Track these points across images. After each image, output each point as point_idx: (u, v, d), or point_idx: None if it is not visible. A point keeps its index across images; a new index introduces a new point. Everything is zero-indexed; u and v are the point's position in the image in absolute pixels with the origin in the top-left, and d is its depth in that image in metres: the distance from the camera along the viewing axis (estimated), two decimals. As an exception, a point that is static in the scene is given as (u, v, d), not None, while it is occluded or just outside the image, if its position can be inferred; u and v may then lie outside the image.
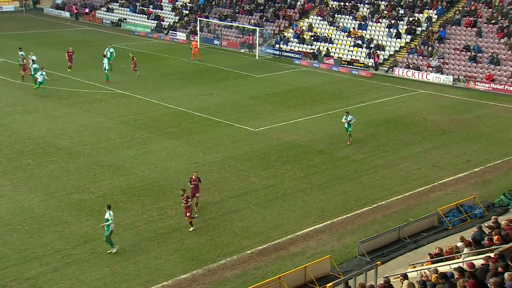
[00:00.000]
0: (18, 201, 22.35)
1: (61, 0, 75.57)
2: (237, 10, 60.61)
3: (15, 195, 22.88)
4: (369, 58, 48.48)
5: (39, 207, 21.96)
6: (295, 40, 54.10)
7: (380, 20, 52.25)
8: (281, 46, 53.73)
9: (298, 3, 58.87)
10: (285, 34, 55.44)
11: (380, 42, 50.14)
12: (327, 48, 51.36)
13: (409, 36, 49.93)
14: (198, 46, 51.68)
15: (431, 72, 45.00)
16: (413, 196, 24.04)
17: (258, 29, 53.18)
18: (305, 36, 53.89)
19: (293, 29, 55.68)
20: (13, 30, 60.61)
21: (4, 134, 29.58)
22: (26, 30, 61.51)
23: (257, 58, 51.95)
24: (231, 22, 58.76)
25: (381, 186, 24.88)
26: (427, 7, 51.48)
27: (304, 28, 55.17)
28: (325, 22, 54.84)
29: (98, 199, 22.77)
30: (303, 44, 53.15)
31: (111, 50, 43.95)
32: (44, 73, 36.29)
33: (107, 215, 19.04)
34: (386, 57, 49.15)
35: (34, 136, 29.54)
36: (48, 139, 29.10)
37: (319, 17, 55.81)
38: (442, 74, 44.42)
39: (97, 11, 70.33)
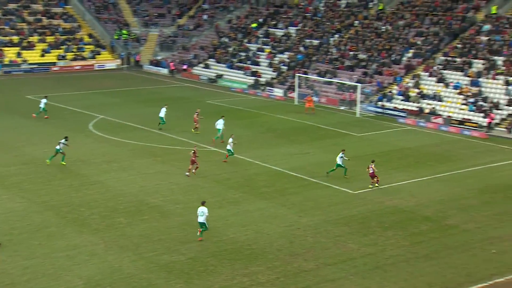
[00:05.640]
0: (109, 261, 23.38)
1: (160, 56, 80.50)
2: (337, 66, 61.45)
3: (106, 254, 23.99)
4: (484, 117, 46.90)
5: (129, 267, 22.83)
6: (400, 97, 53.66)
7: (497, 77, 50.72)
8: (384, 103, 53.44)
9: (404, 58, 58.71)
10: (390, 91, 55.18)
11: (496, 101, 48.51)
12: (434, 107, 50.38)
13: (531, 94, 47.95)
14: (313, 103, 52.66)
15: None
16: (537, 274, 22.46)
17: (359, 85, 53.42)
18: (410, 93, 53.33)
19: (397, 86, 55.38)
20: (114, 87, 65.13)
21: (99, 192, 31.40)
22: (125, 87, 65.86)
23: (357, 116, 51.95)
24: (331, 78, 59.54)
25: (498, 261, 23.52)
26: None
27: (409, 84, 54.68)
28: (433, 79, 54.07)
29: (188, 261, 23.33)
30: (408, 102, 52.56)
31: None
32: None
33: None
34: (503, 116, 47.31)
35: (127, 193, 31.09)
36: (140, 197, 30.52)
37: (426, 73, 55.19)
38: None
39: (194, 67, 74.10)
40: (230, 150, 36.49)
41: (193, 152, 33.81)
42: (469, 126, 46.57)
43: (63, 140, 35.63)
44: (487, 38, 55.51)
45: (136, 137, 42.38)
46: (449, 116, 48.69)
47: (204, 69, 72.80)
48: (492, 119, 46.00)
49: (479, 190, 32.01)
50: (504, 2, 59.89)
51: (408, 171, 34.94)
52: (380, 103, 53.65)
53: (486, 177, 34.45)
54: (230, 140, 36.69)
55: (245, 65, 69.51)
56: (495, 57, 52.88)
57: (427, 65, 56.21)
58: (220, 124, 41.60)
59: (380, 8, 68.02)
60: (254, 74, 66.87)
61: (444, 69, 54.52)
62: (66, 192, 30.92)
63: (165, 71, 75.86)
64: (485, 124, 46.28)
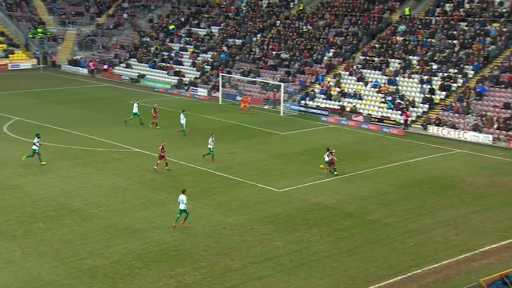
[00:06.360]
0: (27, 268, 22.49)
1: (79, 56, 78.25)
2: (260, 66, 61.97)
3: (24, 261, 23.05)
4: (400, 115, 48.70)
5: (49, 274, 22.06)
6: (322, 96, 54.82)
7: (412, 75, 52.81)
8: (307, 102, 54.43)
9: (325, 58, 60.00)
10: (312, 90, 56.24)
11: (412, 99, 50.50)
12: (354, 105, 51.83)
13: (444, 93, 50.22)
14: (248, 102, 52.81)
15: (469, 130, 44.90)
16: (452, 264, 23.55)
17: (282, 84, 54.13)
18: (332, 92, 54.60)
19: (319, 85, 56.55)
20: (30, 88, 62.68)
21: (15, 196, 30.10)
22: (43, 87, 63.58)
23: (281, 114, 52.62)
24: (255, 78, 59.97)
25: (416, 253, 24.47)
26: (462, 63, 51.98)
27: (331, 83, 55.97)
28: (353, 77, 55.60)
29: (111, 265, 22.80)
30: (330, 100, 53.80)
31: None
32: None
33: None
34: (419, 114, 49.33)
35: (46, 197, 30.00)
36: (61, 201, 29.54)
37: (346, 72, 56.67)
38: (480, 132, 44.27)
39: (115, 67, 72.54)
40: (210, 149, 36.61)
41: (161, 148, 34.16)
42: (388, 123, 48.23)
43: (36, 139, 34.76)
44: (402, 38, 57.68)
45: (56, 139, 40.97)
46: (369, 114, 50.22)
47: (125, 69, 71.41)
48: (408, 117, 47.83)
49: (398, 185, 33.20)
50: (416, 4, 62.43)
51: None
52: (303, 102, 54.59)
53: (405, 172, 35.79)
54: (210, 139, 36.64)
55: (168, 64, 68.77)
56: (410, 57, 55.03)
57: (347, 64, 57.72)
58: (182, 118, 43.12)
59: (300, 8, 69.18)
60: (178, 73, 66.30)
61: (363, 68, 56.18)
62: (-21, 198, 29.45)
63: (84, 71, 73.82)
64: (402, 121, 48.05)
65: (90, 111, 51.52)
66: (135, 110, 45.98)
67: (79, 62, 76.07)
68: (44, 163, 35.01)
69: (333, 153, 34.26)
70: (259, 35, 67.99)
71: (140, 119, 45.99)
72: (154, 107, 45.96)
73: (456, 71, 51.47)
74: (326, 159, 34.55)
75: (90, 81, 69.00)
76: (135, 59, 72.47)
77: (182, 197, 26.28)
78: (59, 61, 78.40)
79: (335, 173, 34.26)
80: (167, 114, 50.85)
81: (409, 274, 22.62)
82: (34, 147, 34.93)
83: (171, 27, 75.89)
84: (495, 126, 44.47)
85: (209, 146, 36.58)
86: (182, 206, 26.25)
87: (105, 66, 72.67)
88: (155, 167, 34.26)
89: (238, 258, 23.64)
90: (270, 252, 24.20)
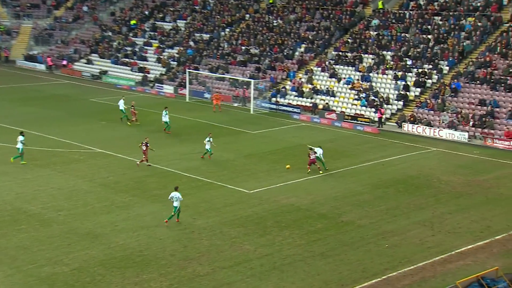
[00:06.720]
0: (-19, 276, 22.09)
1: (36, 51, 77.02)
2: (229, 61, 61.91)
3: (-22, 268, 22.63)
4: (374, 112, 49.18)
5: (3, 283, 21.66)
6: (293, 93, 55.04)
7: (386, 71, 53.39)
8: (278, 99, 54.58)
9: (296, 53, 60.25)
10: (283, 86, 56.42)
11: (386, 96, 51.06)
12: (327, 103, 52.16)
13: (419, 89, 50.91)
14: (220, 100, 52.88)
15: (444, 128, 45.61)
16: (427, 266, 23.88)
17: (252, 81, 54.17)
18: (304, 89, 54.87)
19: (291, 81, 56.77)
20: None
21: (-32, 199, 29.52)
22: (-4, 84, 62.46)
23: (251, 112, 52.67)
24: (223, 74, 59.89)
25: (391, 255, 24.74)
26: (437, 58, 52.75)
27: (303, 80, 56.24)
28: (326, 74, 55.95)
29: (72, 272, 22.50)
30: (302, 98, 54.04)
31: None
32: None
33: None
34: (393, 111, 49.91)
35: (1, 202, 29.44)
36: (17, 205, 29.03)
37: (318, 68, 57.01)
38: (456, 130, 45.01)
39: (75, 63, 71.61)
40: (208, 149, 36.89)
41: (146, 144, 34.88)
42: (362, 121, 48.69)
43: (21, 137, 34.76)
44: (376, 33, 58.28)
45: (10, 140, 40.12)
46: (342, 112, 50.61)
47: (86, 65, 70.57)
48: (382, 114, 48.35)
49: (372, 185, 33.53)
50: (390, -3, 63.19)
51: (304, 168, 35.86)
52: (274, 99, 54.73)
53: (379, 172, 36.17)
54: (207, 139, 36.95)
55: (131, 60, 68.18)
56: (384, 52, 55.65)
57: (319, 60, 58.07)
58: (165, 116, 43.94)
59: (270, 1, 69.33)
60: (142, 70, 65.79)
61: (336, 64, 56.59)
62: None
63: (42, 67, 72.74)
64: (376, 119, 48.54)
65: (48, 110, 50.76)
66: (122, 106, 46.78)
67: (35, 58, 74.91)
68: (21, 162, 35.14)
69: (316, 153, 34.83)
70: (227, 30, 67.91)
71: (122, 115, 46.74)
72: (132, 105, 46.75)
73: (431, 66, 52.24)
74: (314, 156, 35.10)
75: (48, 77, 67.99)
76: (96, 55, 71.67)
77: (177, 195, 26.77)
78: (13, 57, 77.03)
79: (327, 168, 35.17)
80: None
81: (384, 277, 22.85)
82: (19, 145, 34.85)
83: (132, 22, 75.25)
84: (471, 123, 45.30)
85: (206, 146, 36.91)
86: (176, 204, 26.66)
87: (64, 62, 71.72)
88: (137, 163, 34.80)
89: (206, 263, 23.57)
90: (240, 256, 24.19)
